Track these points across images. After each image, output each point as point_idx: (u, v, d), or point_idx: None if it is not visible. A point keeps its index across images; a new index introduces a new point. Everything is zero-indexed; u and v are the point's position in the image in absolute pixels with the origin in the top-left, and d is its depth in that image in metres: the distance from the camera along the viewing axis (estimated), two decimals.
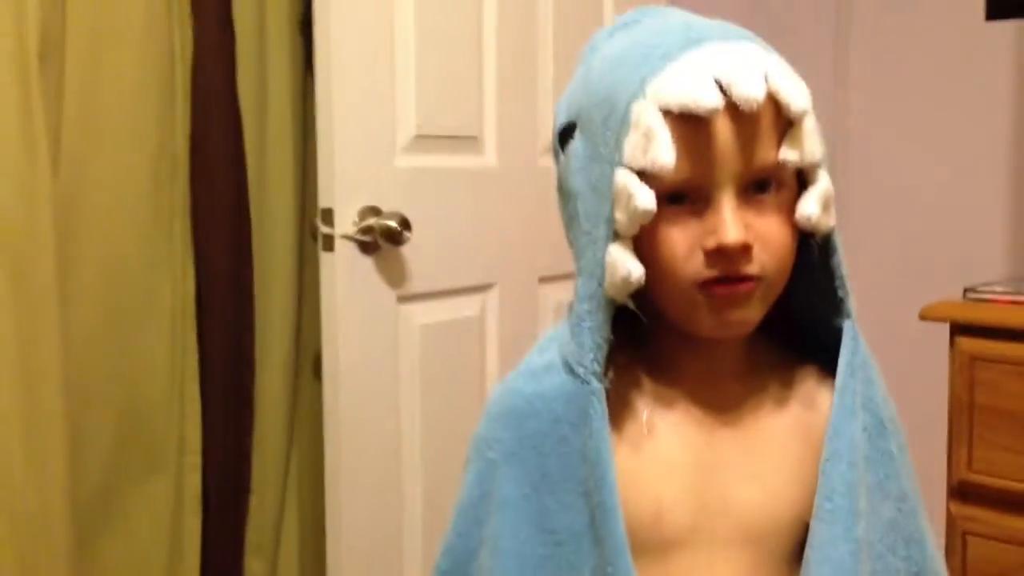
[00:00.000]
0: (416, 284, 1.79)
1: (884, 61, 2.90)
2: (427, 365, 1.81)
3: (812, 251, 0.82)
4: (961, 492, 1.84)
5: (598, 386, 0.81)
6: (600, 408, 0.81)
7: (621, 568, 0.79)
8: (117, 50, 1.68)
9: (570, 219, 0.85)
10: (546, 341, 0.89)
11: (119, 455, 1.75)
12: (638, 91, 0.76)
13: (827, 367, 0.86)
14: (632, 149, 0.76)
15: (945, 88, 2.69)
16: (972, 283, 1.96)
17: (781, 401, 0.88)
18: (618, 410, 0.84)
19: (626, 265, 0.77)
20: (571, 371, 0.83)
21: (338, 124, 1.68)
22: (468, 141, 1.87)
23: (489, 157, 1.91)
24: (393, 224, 1.69)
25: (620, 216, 0.77)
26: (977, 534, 1.84)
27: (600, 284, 0.79)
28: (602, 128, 0.79)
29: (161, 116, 1.75)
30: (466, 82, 1.85)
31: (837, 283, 0.83)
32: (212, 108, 1.79)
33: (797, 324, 0.88)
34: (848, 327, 0.84)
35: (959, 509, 1.84)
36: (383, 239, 1.69)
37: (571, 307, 0.85)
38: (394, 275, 1.75)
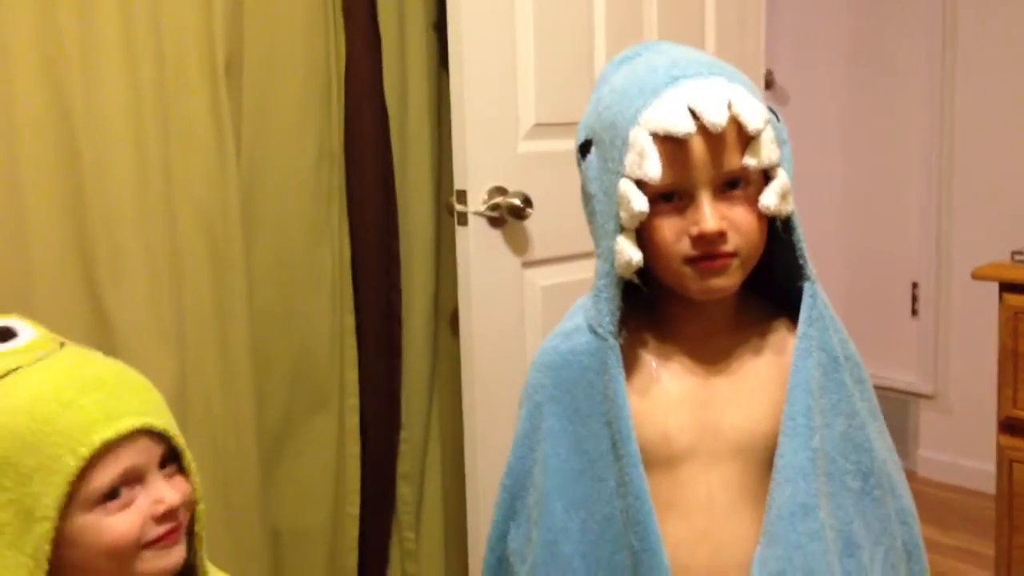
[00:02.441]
0: (537, 252, 2.01)
1: (990, 33, 2.98)
2: (548, 320, 1.99)
3: (778, 230, 1.04)
4: (1009, 426, 2.03)
5: (614, 343, 1.05)
6: (616, 359, 1.05)
7: (634, 478, 1.03)
8: (285, 58, 1.90)
9: (590, 215, 1.09)
10: (575, 308, 1.13)
11: (293, 397, 1.99)
12: (633, 120, 0.99)
13: (796, 319, 1.07)
14: (631, 164, 0.99)
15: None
16: (1019, 247, 2.14)
17: (759, 349, 1.09)
18: (631, 360, 1.08)
19: (629, 252, 1.00)
20: (593, 332, 1.07)
21: (469, 115, 1.89)
22: None
23: None
24: (517, 202, 1.92)
25: (623, 214, 1.00)
26: (1022, 462, 2.02)
27: (612, 265, 1.03)
28: (610, 147, 1.02)
29: (320, 112, 1.96)
30: (579, 75, 2.03)
31: (798, 254, 1.05)
32: (362, 104, 2.00)
33: (779, 286, 1.10)
34: (807, 287, 1.06)
35: (1007, 441, 2.02)
36: (508, 214, 1.93)
37: (593, 282, 1.08)
38: (519, 245, 1.98)
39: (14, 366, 0.91)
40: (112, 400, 0.89)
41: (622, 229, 1.01)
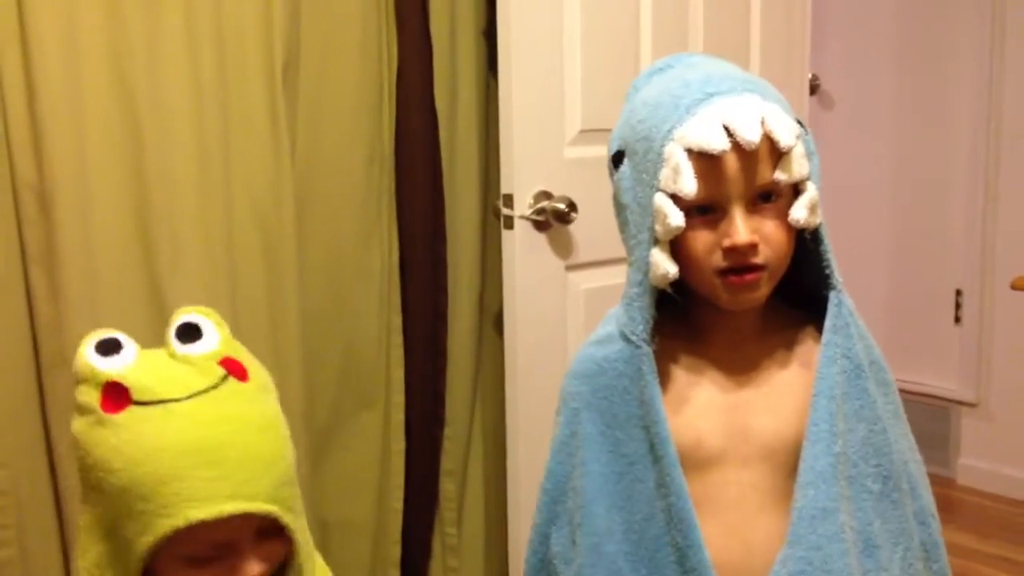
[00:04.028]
0: (581, 255, 2.04)
1: None
2: (590, 322, 1.97)
3: (807, 242, 1.07)
4: None
5: (648, 350, 1.09)
6: (650, 365, 1.09)
7: (675, 478, 1.06)
8: (339, 61, 1.95)
9: (623, 224, 1.11)
10: (608, 318, 1.16)
11: (340, 393, 2.04)
12: (668, 136, 1.02)
13: (822, 326, 1.09)
14: (665, 179, 1.02)
15: None
16: None
17: (786, 356, 1.13)
18: (664, 367, 1.11)
19: (664, 265, 1.04)
20: (627, 339, 1.10)
21: (516, 120, 1.93)
22: None
23: None
24: (562, 206, 1.96)
25: (659, 228, 1.03)
26: None
27: (645, 275, 1.06)
28: (643, 160, 1.05)
29: (372, 115, 2.01)
30: (624, 82, 1.96)
31: (824, 264, 1.08)
32: (413, 107, 2.04)
33: (807, 295, 1.13)
34: (833, 296, 1.09)
35: None
36: (554, 218, 1.97)
37: (624, 291, 1.11)
38: (563, 248, 2.02)
39: (175, 395, 0.93)
40: (223, 481, 0.91)
41: (656, 242, 1.05)
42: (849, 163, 3.56)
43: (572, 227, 2.01)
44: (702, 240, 1.04)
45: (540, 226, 1.98)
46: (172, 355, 0.97)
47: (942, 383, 3.43)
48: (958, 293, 3.39)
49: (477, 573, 2.29)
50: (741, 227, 1.02)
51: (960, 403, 3.40)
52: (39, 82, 1.59)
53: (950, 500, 3.26)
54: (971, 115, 3.29)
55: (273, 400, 1.00)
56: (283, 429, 0.99)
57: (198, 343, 0.97)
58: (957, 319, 3.40)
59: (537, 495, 1.23)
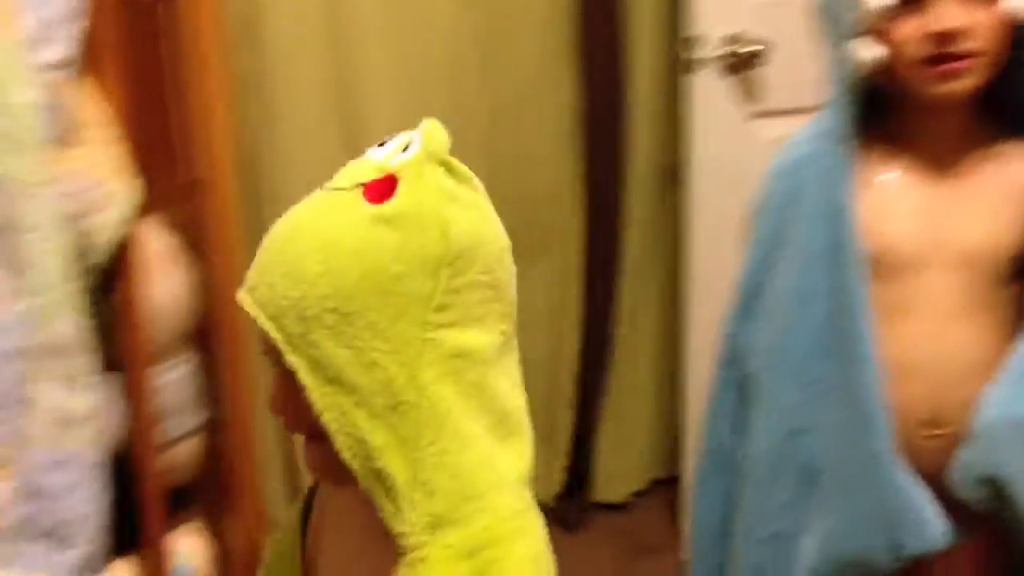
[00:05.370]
0: (768, 103, 1.97)
1: None
2: None
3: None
4: None
5: (846, 149, 1.09)
6: (846, 166, 1.09)
7: (850, 278, 1.08)
8: None
9: (822, 20, 1.10)
10: (811, 121, 1.17)
11: (519, 238, 2.06)
12: None
13: None
14: None
15: None
16: None
17: (992, 164, 1.11)
18: (862, 169, 1.11)
19: (864, 53, 1.03)
20: (826, 139, 1.10)
21: None
22: None
23: None
24: (750, 49, 1.89)
25: (858, 13, 1.01)
26: None
27: (847, 70, 1.05)
28: None
29: None
30: None
31: None
32: None
33: (1013, 109, 1.10)
34: None
35: None
36: (740, 62, 1.90)
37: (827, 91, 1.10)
38: (750, 94, 1.95)
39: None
40: (251, 271, 0.82)
41: (856, 32, 1.04)
42: None
43: (760, 71, 1.93)
44: (908, 28, 1.03)
45: (726, 70, 1.92)
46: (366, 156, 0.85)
47: None
48: None
49: (648, 415, 2.34)
50: (947, 11, 1.00)
51: None
52: None
53: None
54: None
55: (376, 233, 0.77)
56: (333, 262, 0.77)
57: (379, 150, 0.84)
58: None
59: (732, 292, 1.26)
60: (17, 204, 1.20)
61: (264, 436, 1.84)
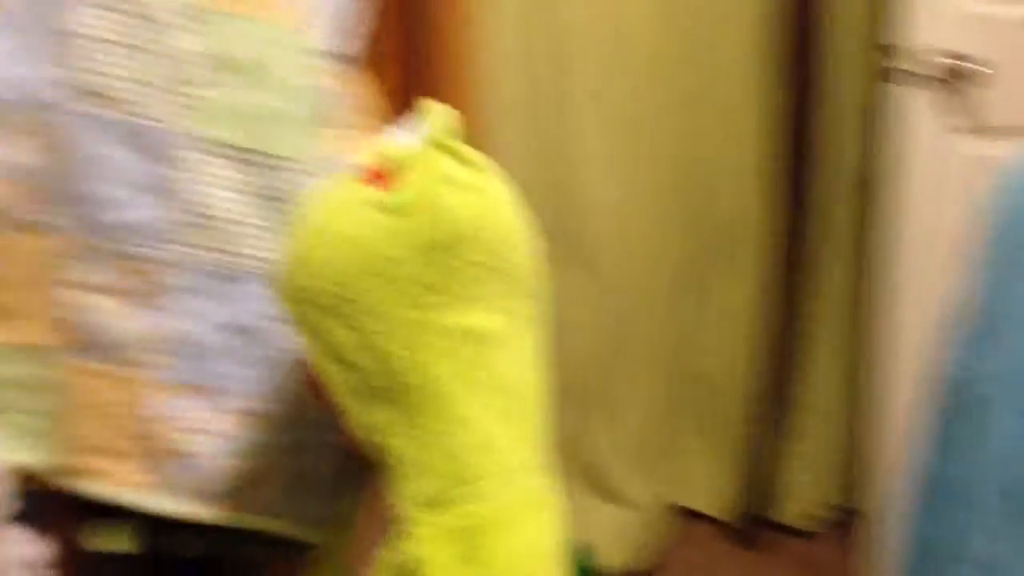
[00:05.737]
0: (979, 119, 1.78)
1: None
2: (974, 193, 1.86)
3: None
4: None
5: None
6: None
7: None
8: None
9: None
10: None
11: (696, 241, 2.15)
12: None
13: None
14: None
15: None
16: None
17: None
18: None
19: None
20: None
21: None
22: None
23: None
24: (960, 64, 1.74)
25: None
26: None
27: None
28: None
29: None
30: None
31: None
32: None
33: None
34: None
35: None
36: (949, 77, 1.75)
37: None
38: (958, 110, 1.78)
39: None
40: None
41: None
42: None
43: (969, 88, 1.75)
44: None
45: (931, 84, 1.76)
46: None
47: None
48: None
49: (835, 439, 2.27)
50: None
51: None
52: None
53: None
54: None
55: (374, 218, 0.80)
56: (333, 247, 0.80)
57: (385, 137, 0.85)
58: None
59: (954, 314, 1.19)
60: (291, 183, 1.20)
61: None
